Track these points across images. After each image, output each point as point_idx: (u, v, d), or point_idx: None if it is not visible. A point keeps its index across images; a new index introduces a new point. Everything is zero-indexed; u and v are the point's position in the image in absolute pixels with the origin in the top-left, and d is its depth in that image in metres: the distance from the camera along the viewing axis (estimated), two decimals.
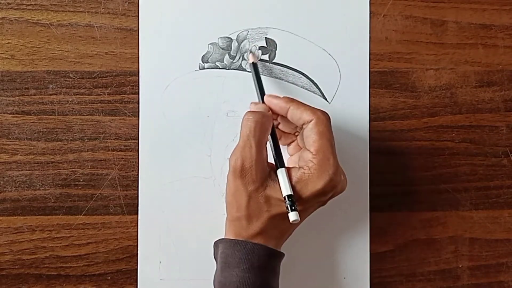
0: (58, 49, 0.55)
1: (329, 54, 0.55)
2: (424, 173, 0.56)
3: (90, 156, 0.55)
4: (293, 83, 0.55)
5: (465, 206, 0.56)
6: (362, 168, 0.55)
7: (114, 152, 0.55)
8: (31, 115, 0.54)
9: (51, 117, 0.54)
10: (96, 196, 0.55)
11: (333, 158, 0.46)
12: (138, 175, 0.55)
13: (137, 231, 0.55)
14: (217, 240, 0.49)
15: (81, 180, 0.55)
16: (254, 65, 0.53)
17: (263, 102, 0.50)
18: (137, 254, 0.55)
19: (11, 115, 0.54)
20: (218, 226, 0.55)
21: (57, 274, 0.55)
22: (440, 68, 0.56)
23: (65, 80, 0.55)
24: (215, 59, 0.55)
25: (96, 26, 0.55)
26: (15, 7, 0.54)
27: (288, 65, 0.55)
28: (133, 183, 0.55)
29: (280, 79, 0.55)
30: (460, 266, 0.56)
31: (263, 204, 0.46)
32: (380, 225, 0.56)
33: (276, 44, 0.55)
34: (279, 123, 0.52)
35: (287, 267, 0.53)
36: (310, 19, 0.55)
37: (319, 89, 0.55)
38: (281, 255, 0.49)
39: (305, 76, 0.55)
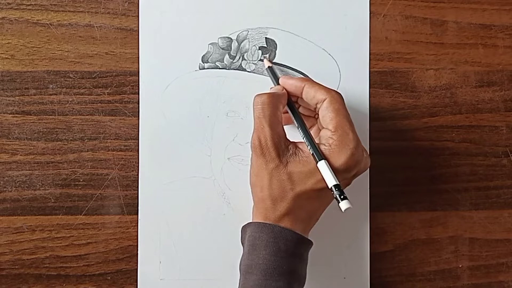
0: (58, 49, 0.55)
1: (329, 54, 0.55)
2: (424, 173, 0.56)
3: (90, 156, 0.55)
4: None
5: (465, 206, 0.56)
6: None
7: (114, 152, 0.55)
8: (31, 115, 0.54)
9: (51, 117, 0.54)
10: (96, 196, 0.55)
11: (352, 133, 0.47)
12: (138, 175, 0.55)
13: (137, 231, 0.55)
14: (245, 224, 0.49)
15: (81, 180, 0.55)
16: (270, 68, 0.53)
17: (277, 84, 0.51)
18: (137, 254, 0.55)
19: (11, 115, 0.54)
20: (218, 226, 0.55)
21: (57, 274, 0.55)
22: (440, 68, 0.56)
23: (65, 80, 0.55)
24: (215, 59, 0.55)
25: (96, 26, 0.55)
26: (15, 7, 0.54)
27: (288, 65, 0.55)
28: (133, 183, 0.55)
29: None
30: (460, 266, 0.56)
31: (286, 182, 0.46)
32: (380, 225, 0.56)
33: (276, 44, 0.55)
34: (299, 105, 0.52)
35: None
36: (310, 19, 0.55)
37: None
38: (309, 242, 0.49)
39: (305, 76, 0.55)
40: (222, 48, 0.55)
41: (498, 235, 0.56)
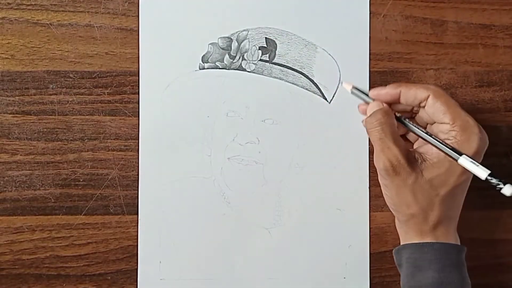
0: (58, 49, 0.55)
1: (329, 54, 0.55)
2: None
3: (90, 156, 0.55)
4: (293, 83, 0.55)
5: (465, 206, 0.56)
6: (362, 168, 0.55)
7: (114, 152, 0.55)
8: (31, 115, 0.54)
9: (51, 117, 0.54)
10: (96, 196, 0.55)
11: (470, 119, 0.47)
12: (138, 175, 0.55)
13: (137, 231, 0.55)
14: (399, 247, 0.49)
15: (81, 180, 0.55)
16: (355, 89, 0.53)
17: (372, 99, 0.51)
18: (137, 254, 0.55)
19: (11, 115, 0.54)
20: (218, 226, 0.55)
21: (57, 274, 0.55)
22: (440, 68, 0.56)
23: (65, 80, 0.55)
24: (215, 59, 0.55)
25: (96, 26, 0.55)
26: (15, 7, 0.54)
27: (288, 65, 0.55)
28: (133, 183, 0.55)
29: (280, 79, 0.55)
30: None
31: (429, 190, 0.47)
32: (380, 225, 0.56)
33: (276, 44, 0.55)
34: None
35: (287, 267, 0.53)
36: (310, 19, 0.55)
37: (319, 89, 0.55)
38: (464, 249, 0.49)
39: (305, 76, 0.55)
40: (222, 48, 0.55)
41: (498, 235, 0.56)
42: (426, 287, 0.46)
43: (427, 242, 0.47)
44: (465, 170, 0.46)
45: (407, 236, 0.49)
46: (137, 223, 0.55)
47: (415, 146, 0.52)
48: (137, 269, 0.55)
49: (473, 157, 0.46)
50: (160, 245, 0.55)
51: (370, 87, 0.55)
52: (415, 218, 0.48)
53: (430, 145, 0.48)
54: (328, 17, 0.55)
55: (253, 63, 0.55)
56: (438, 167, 0.47)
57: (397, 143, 0.47)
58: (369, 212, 0.55)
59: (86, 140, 0.55)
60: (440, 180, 0.47)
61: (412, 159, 0.47)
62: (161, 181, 0.55)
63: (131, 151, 0.55)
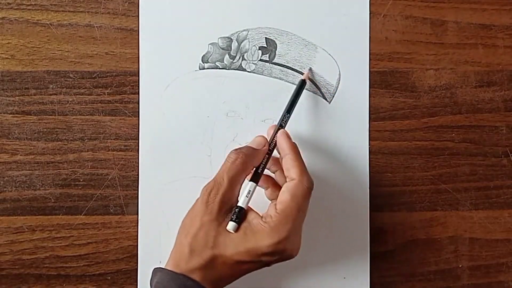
0: (58, 49, 0.55)
1: (329, 54, 0.55)
2: (424, 173, 0.56)
3: (90, 156, 0.55)
4: (293, 83, 0.55)
5: (465, 206, 0.56)
6: (362, 168, 0.55)
7: (114, 152, 0.55)
8: (31, 115, 0.54)
9: (51, 117, 0.54)
10: (96, 196, 0.55)
11: (290, 225, 0.45)
12: (138, 175, 0.55)
13: (137, 231, 0.55)
14: (156, 268, 0.47)
15: (81, 180, 0.55)
16: (303, 82, 0.53)
17: (279, 128, 0.50)
18: (137, 254, 0.55)
19: (11, 115, 0.54)
20: None
21: (57, 274, 0.55)
22: (440, 68, 0.56)
23: (65, 80, 0.55)
24: (215, 59, 0.55)
25: (96, 26, 0.55)
26: (15, 7, 0.54)
27: (288, 65, 0.55)
28: (133, 183, 0.55)
29: (280, 79, 0.55)
30: (460, 266, 0.56)
31: (210, 238, 0.45)
32: (380, 225, 0.56)
33: (276, 44, 0.55)
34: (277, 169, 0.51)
35: (287, 267, 0.53)
36: (310, 19, 0.55)
37: (319, 89, 0.55)
38: None
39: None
40: (222, 48, 0.55)
41: (498, 235, 0.56)
42: None
43: (181, 276, 0.45)
44: (242, 255, 0.45)
45: (168, 261, 0.47)
46: (137, 223, 0.55)
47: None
48: (137, 269, 0.55)
49: (259, 249, 0.45)
50: (160, 245, 0.55)
51: (370, 87, 0.55)
52: (183, 249, 0.46)
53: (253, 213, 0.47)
54: (328, 17, 0.55)
55: (253, 63, 0.55)
56: (234, 232, 0.46)
57: (230, 185, 0.46)
58: (369, 212, 0.55)
59: (86, 140, 0.55)
60: (225, 241, 0.45)
61: (227, 208, 0.47)
62: (161, 181, 0.55)
63: (131, 151, 0.55)
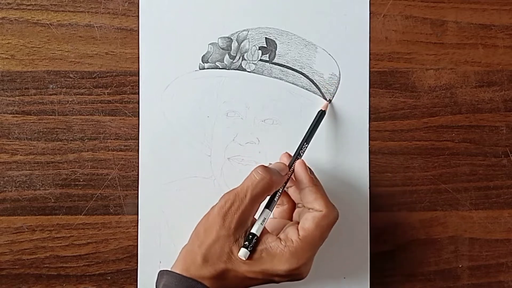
0: (58, 49, 0.55)
1: (329, 54, 0.55)
2: (424, 173, 0.56)
3: (90, 156, 0.55)
4: (293, 83, 0.55)
5: (465, 206, 0.56)
6: (362, 168, 0.55)
7: (114, 152, 0.55)
8: (31, 115, 0.54)
9: (51, 117, 0.54)
10: (96, 196, 0.55)
11: (311, 253, 0.46)
12: (138, 175, 0.55)
13: (137, 231, 0.55)
14: (163, 271, 0.47)
15: (81, 180, 0.55)
16: (322, 112, 0.53)
17: (296, 158, 0.50)
18: (137, 254, 0.55)
19: (11, 115, 0.54)
20: None
21: (57, 274, 0.55)
22: (440, 68, 0.56)
23: (65, 80, 0.55)
24: (215, 59, 0.55)
25: (96, 26, 0.55)
26: (15, 7, 0.54)
27: (288, 65, 0.55)
28: (133, 183, 0.55)
29: (280, 79, 0.55)
30: (460, 266, 0.56)
31: (225, 253, 0.45)
32: (380, 225, 0.56)
33: (276, 44, 0.55)
34: (292, 185, 0.51)
35: None
36: (310, 19, 0.55)
37: (319, 89, 0.55)
38: None
39: (305, 76, 0.55)
40: (222, 48, 0.55)
41: (498, 235, 0.56)
42: None
43: (190, 279, 0.45)
44: (256, 273, 0.45)
45: (177, 263, 0.47)
46: (137, 223, 0.55)
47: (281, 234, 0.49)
48: (137, 269, 0.55)
49: (275, 272, 0.45)
50: (160, 245, 0.55)
51: (370, 87, 0.55)
52: (195, 257, 0.46)
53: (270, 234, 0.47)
54: (328, 17, 0.55)
55: (253, 63, 0.55)
56: (252, 264, 0.45)
57: (251, 203, 0.46)
58: (369, 212, 0.55)
59: (86, 140, 0.55)
60: (239, 261, 0.45)
61: (245, 226, 0.46)
62: (161, 181, 0.55)
63: (131, 151, 0.55)
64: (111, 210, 0.55)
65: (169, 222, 0.55)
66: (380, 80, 0.55)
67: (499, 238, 0.56)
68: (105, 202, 0.55)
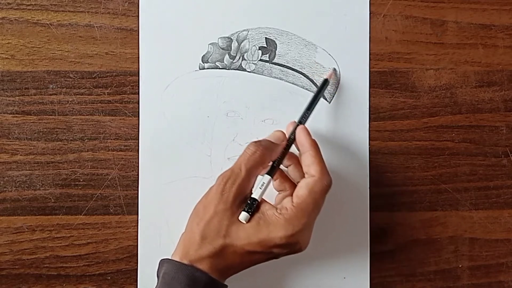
0: (58, 49, 0.55)
1: (329, 54, 0.55)
2: (424, 173, 0.56)
3: (90, 156, 0.55)
4: (293, 83, 0.55)
5: (465, 206, 0.56)
6: (362, 168, 0.55)
7: (114, 152, 0.55)
8: (31, 115, 0.54)
9: (51, 117, 0.54)
10: (96, 196, 0.55)
11: (306, 219, 0.46)
12: (138, 175, 0.55)
13: (137, 231, 0.55)
14: (163, 259, 0.48)
15: (81, 180, 0.55)
16: (326, 81, 0.53)
17: (298, 124, 0.50)
18: (137, 254, 0.55)
19: (11, 115, 0.54)
20: None
21: (57, 274, 0.55)
22: (440, 68, 0.56)
23: (65, 80, 0.55)
24: (215, 59, 0.55)
25: (96, 26, 0.55)
26: (15, 7, 0.54)
27: (288, 65, 0.55)
28: (133, 183, 0.55)
29: (280, 79, 0.55)
30: (460, 266, 0.56)
31: (223, 227, 0.46)
32: (380, 225, 0.56)
33: (276, 44, 0.55)
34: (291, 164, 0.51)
35: (287, 266, 0.53)
36: (310, 19, 0.55)
37: None
38: (224, 287, 0.48)
39: (305, 76, 0.55)
40: (222, 48, 0.55)
41: (498, 235, 0.56)
42: None
43: (188, 266, 0.45)
44: (253, 245, 0.46)
45: (176, 249, 0.48)
46: (137, 223, 0.55)
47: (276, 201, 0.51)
48: (137, 269, 0.55)
49: (271, 240, 0.45)
50: (160, 245, 0.55)
51: (370, 87, 0.55)
52: (193, 237, 0.46)
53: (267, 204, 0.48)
54: (328, 17, 0.55)
55: (253, 63, 0.55)
56: (248, 223, 0.46)
57: (247, 177, 0.46)
58: (369, 212, 0.55)
59: (86, 140, 0.55)
60: (237, 231, 0.46)
61: (242, 199, 0.47)
62: (161, 181, 0.55)
63: (131, 151, 0.55)
64: (111, 210, 0.55)
65: (169, 222, 0.55)
66: (380, 80, 0.55)
67: (499, 238, 0.56)
68: (105, 202, 0.55)
